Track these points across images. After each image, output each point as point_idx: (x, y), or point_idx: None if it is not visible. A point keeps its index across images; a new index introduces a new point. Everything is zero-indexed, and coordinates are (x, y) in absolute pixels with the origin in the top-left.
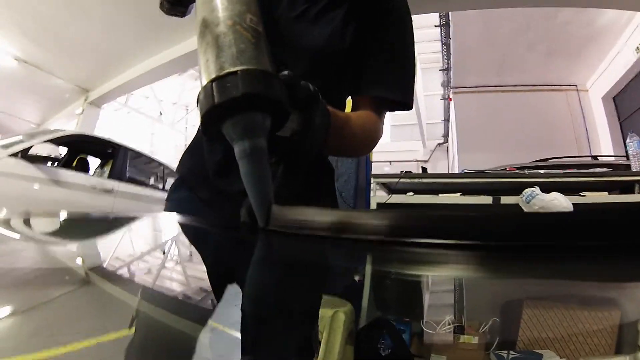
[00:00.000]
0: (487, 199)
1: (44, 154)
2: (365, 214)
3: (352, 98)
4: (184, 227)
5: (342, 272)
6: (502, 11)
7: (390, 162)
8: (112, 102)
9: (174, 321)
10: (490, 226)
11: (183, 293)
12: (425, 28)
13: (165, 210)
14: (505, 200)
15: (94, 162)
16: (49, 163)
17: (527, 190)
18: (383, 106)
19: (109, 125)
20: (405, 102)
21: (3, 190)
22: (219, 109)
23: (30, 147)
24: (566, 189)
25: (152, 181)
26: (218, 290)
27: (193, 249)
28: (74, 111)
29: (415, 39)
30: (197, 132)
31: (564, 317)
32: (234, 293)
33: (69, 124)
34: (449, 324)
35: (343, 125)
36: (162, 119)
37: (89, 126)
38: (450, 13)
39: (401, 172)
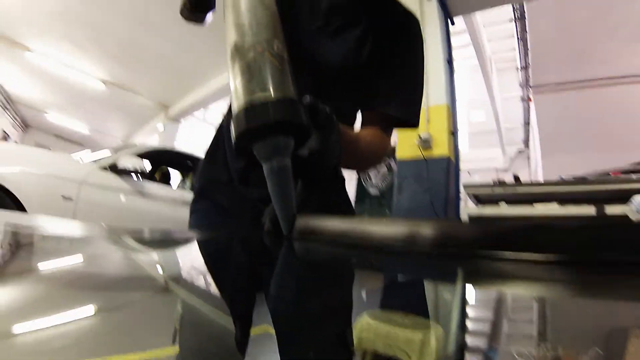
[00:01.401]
0: (589, 209)
1: (129, 167)
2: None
3: (361, 112)
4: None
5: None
6: None
7: (468, 171)
8: (190, 117)
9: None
10: (594, 237)
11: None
12: (496, 24)
13: (191, 222)
14: (610, 210)
15: (176, 174)
16: (134, 176)
17: (638, 198)
18: (391, 123)
19: (188, 138)
20: (413, 122)
21: (94, 200)
22: (252, 132)
23: (117, 160)
24: None
25: None
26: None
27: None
28: (155, 126)
29: (487, 38)
30: (212, 143)
31: None
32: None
33: (151, 139)
34: (544, 353)
35: (351, 143)
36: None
37: (169, 140)
38: (525, 4)
39: (493, 181)
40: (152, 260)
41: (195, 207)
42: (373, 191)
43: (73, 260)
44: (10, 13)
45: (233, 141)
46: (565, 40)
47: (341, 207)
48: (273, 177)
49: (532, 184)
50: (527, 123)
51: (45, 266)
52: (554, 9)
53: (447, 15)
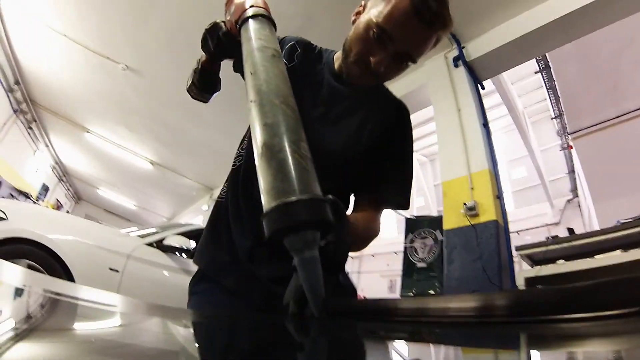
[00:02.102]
0: None
1: (175, 245)
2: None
3: (355, 195)
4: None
5: None
6: (597, 35)
7: (518, 232)
8: None
9: None
10: None
11: None
12: (524, 79)
13: (192, 303)
14: None
15: None
16: (179, 254)
17: None
18: (384, 207)
19: None
20: (407, 207)
21: (140, 274)
22: (287, 228)
23: (163, 238)
24: None
25: None
26: None
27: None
28: (200, 207)
29: (517, 93)
30: (212, 220)
31: None
32: None
33: (195, 219)
34: None
35: (353, 228)
36: None
37: None
38: (547, 54)
39: (547, 238)
40: (190, 337)
41: (197, 289)
42: (421, 264)
43: (109, 327)
44: (76, 99)
45: (266, 235)
46: (594, 80)
47: (346, 283)
48: (304, 266)
49: (588, 234)
50: (572, 171)
51: (81, 328)
52: (576, 53)
53: (476, 80)
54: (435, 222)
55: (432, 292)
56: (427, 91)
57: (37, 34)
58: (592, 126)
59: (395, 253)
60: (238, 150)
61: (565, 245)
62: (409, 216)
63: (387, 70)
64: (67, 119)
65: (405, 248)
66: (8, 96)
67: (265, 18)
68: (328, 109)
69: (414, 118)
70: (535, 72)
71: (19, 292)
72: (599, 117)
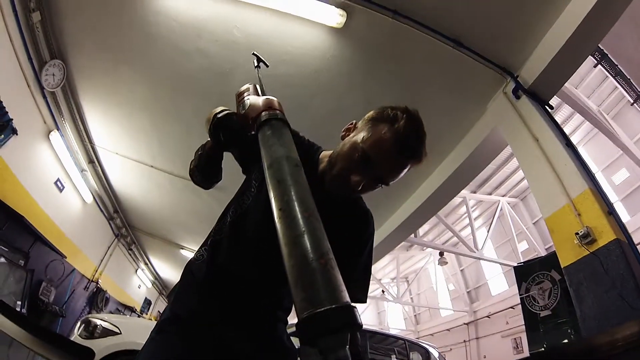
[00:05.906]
0: None
1: None
2: None
3: None
4: None
5: None
6: None
7: None
8: None
9: None
10: None
11: None
12: (586, 77)
13: (155, 342)
14: None
15: None
16: None
17: None
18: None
19: None
20: (364, 300)
21: None
22: (327, 330)
23: None
24: None
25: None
26: None
27: None
28: None
29: (586, 94)
30: (192, 272)
31: None
32: None
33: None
34: None
35: None
36: (385, 295)
37: None
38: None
39: None
40: None
41: (168, 329)
42: (545, 313)
43: None
44: (167, 220)
45: (309, 337)
46: None
47: None
48: None
49: None
50: None
51: None
52: (626, 26)
53: (542, 103)
54: (547, 262)
55: (566, 340)
56: (500, 132)
57: (127, 168)
58: None
59: (513, 308)
60: (219, 223)
61: None
62: (516, 264)
63: (362, 189)
64: (162, 239)
65: (522, 299)
66: (110, 224)
67: (284, 122)
68: None
69: (494, 162)
70: (594, 66)
71: None
72: None
